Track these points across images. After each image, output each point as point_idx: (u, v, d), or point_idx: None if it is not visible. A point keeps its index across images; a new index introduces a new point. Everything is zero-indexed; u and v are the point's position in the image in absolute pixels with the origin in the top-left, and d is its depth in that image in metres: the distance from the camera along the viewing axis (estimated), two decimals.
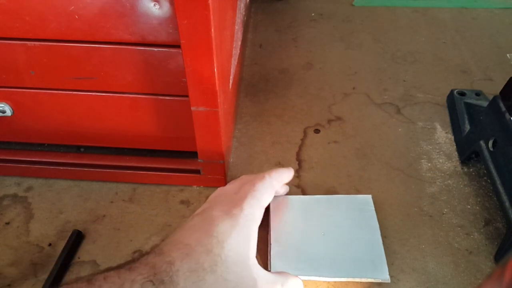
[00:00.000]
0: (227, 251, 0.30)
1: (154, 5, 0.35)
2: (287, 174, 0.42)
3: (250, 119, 0.59)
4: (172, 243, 0.31)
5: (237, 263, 0.31)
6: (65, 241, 0.43)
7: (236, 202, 0.34)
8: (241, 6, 0.59)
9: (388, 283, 0.39)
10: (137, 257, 0.30)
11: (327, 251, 0.41)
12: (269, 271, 0.40)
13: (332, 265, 0.40)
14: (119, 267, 0.28)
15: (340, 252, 0.41)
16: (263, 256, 0.42)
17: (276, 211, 0.44)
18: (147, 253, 0.30)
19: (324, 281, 0.39)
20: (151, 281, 0.27)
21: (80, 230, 0.44)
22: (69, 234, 0.44)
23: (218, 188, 0.39)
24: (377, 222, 0.43)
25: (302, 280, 0.39)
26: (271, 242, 0.41)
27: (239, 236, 0.32)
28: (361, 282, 0.39)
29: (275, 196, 0.44)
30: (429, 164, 0.52)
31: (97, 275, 0.27)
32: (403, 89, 0.64)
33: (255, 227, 0.34)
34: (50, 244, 0.44)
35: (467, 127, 0.53)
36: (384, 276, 0.39)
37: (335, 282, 0.39)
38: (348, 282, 0.39)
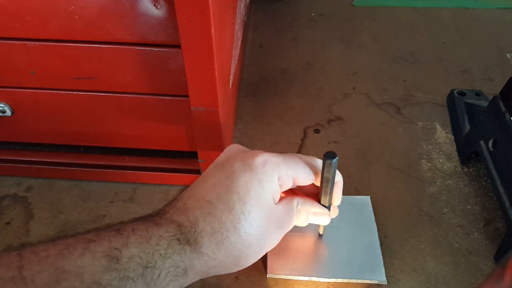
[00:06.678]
0: (249, 206, 0.29)
1: (154, 5, 0.35)
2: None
3: (250, 119, 0.59)
4: (194, 197, 0.30)
5: (261, 216, 0.30)
6: None
7: (257, 152, 0.32)
8: (241, 6, 0.59)
9: (387, 283, 0.39)
10: (163, 209, 0.30)
11: (324, 252, 0.41)
12: (266, 272, 0.40)
13: (329, 266, 0.40)
14: (145, 219, 0.29)
15: (337, 253, 0.41)
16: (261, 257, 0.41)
17: None
18: (172, 204, 0.30)
19: (324, 281, 0.39)
20: (177, 239, 0.27)
21: (80, 230, 0.44)
22: (68, 234, 0.43)
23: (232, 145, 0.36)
24: (375, 223, 0.43)
25: (302, 281, 0.39)
26: None
27: (260, 188, 0.30)
28: (359, 282, 0.39)
29: None
30: (429, 164, 0.52)
31: (125, 224, 0.28)
32: (403, 89, 0.64)
33: (275, 176, 0.31)
34: None
35: (467, 127, 0.53)
36: (381, 277, 0.39)
37: (334, 282, 0.39)
38: (348, 282, 0.39)
